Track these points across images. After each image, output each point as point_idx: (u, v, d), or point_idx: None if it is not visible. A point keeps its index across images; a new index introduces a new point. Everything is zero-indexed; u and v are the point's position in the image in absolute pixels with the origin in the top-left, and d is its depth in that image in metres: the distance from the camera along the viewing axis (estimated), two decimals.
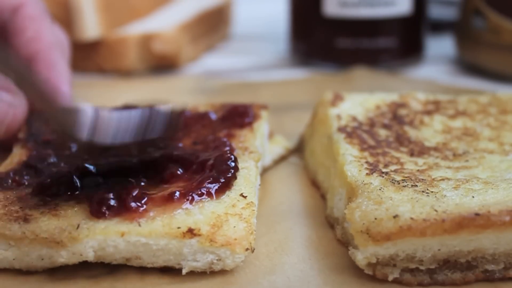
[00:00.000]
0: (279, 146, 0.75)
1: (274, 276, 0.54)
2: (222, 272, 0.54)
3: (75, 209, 0.55)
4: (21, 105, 0.69)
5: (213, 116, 0.70)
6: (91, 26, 1.02)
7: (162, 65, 1.08)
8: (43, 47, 0.74)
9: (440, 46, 1.19)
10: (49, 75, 0.72)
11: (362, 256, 0.52)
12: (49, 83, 0.71)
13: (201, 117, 0.70)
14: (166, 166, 0.59)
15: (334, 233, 0.60)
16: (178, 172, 0.58)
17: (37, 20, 0.75)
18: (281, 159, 0.74)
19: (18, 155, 0.65)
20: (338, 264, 0.55)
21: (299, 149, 0.77)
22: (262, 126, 0.70)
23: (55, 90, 0.71)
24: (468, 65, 1.07)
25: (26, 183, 0.59)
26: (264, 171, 0.71)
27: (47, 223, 0.53)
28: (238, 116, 0.69)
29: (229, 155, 0.60)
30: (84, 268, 0.54)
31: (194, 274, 0.53)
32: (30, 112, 0.72)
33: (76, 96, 0.96)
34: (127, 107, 0.69)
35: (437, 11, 1.27)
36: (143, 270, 0.54)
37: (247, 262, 0.55)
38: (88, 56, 1.06)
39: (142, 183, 0.57)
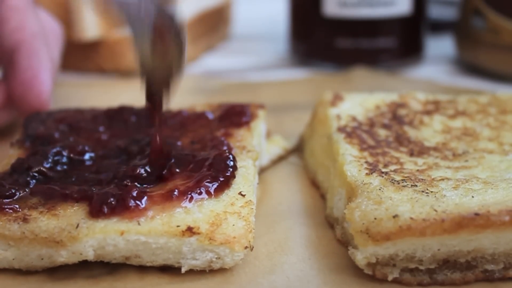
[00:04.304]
0: (277, 146, 0.75)
1: (273, 275, 0.54)
2: (222, 271, 0.54)
3: (74, 208, 0.55)
4: None
5: (211, 116, 0.70)
6: (91, 26, 1.02)
7: None
8: (26, 37, 0.75)
9: (440, 46, 1.19)
10: (30, 63, 0.74)
11: (361, 256, 0.52)
12: (30, 71, 0.73)
13: (198, 117, 0.70)
14: (164, 164, 0.59)
15: (334, 233, 0.60)
16: (177, 171, 0.58)
17: (21, 11, 0.76)
18: (279, 159, 0.74)
19: (15, 156, 0.65)
20: (338, 264, 0.55)
21: (298, 149, 0.77)
22: (259, 125, 0.70)
23: (34, 77, 0.72)
24: (468, 65, 1.07)
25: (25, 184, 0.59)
26: (264, 171, 0.71)
27: (46, 223, 0.53)
28: (236, 116, 0.69)
29: (227, 154, 0.60)
30: (84, 268, 0.54)
31: (194, 273, 0.53)
32: (27, 113, 0.72)
33: (76, 96, 0.96)
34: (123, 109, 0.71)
35: (437, 11, 1.27)
36: (142, 270, 0.54)
37: (247, 261, 0.55)
38: (88, 56, 1.06)
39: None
